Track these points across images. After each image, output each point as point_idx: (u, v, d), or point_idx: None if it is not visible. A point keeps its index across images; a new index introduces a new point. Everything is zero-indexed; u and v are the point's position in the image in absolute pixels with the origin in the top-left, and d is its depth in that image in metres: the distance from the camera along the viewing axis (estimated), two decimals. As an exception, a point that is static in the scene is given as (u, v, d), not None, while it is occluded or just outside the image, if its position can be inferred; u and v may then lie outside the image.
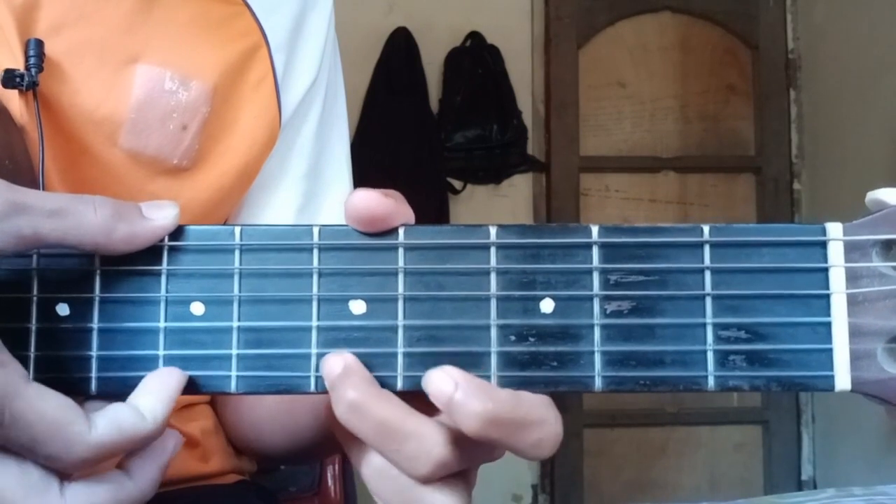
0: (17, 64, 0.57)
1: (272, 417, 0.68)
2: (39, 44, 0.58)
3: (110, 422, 0.38)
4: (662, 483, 2.76)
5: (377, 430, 0.37)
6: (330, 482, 1.07)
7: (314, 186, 0.74)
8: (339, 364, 0.38)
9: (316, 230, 0.40)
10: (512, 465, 2.74)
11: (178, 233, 0.41)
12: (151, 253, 0.41)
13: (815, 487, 2.66)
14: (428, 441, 0.37)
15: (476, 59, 2.76)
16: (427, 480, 0.38)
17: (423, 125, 2.73)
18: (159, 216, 0.40)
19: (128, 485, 0.39)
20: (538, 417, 0.37)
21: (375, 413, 0.37)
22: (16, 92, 0.57)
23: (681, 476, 2.78)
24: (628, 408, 2.75)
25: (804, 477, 2.73)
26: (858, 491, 0.81)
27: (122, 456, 0.40)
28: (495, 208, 2.76)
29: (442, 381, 0.37)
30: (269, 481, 0.85)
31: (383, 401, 0.38)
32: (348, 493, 1.08)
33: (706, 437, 2.79)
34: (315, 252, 0.40)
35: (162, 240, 0.41)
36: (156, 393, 0.39)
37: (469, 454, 0.38)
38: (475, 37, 2.78)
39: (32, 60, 0.57)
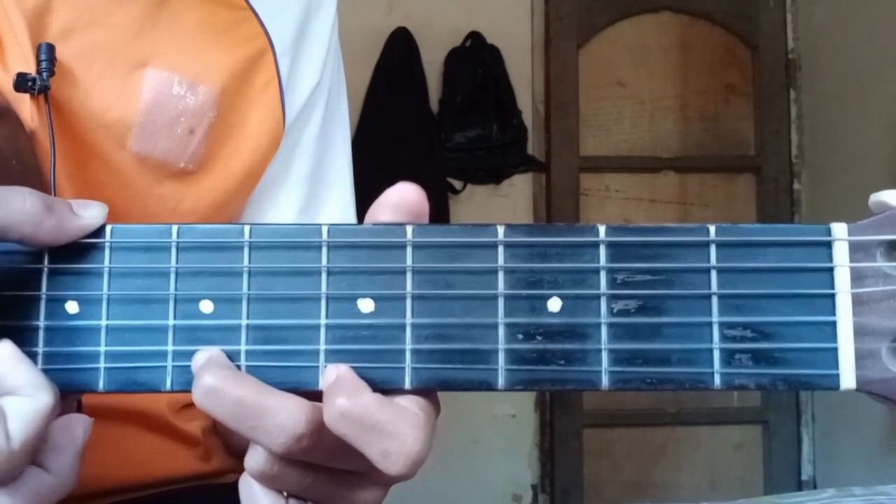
0: (29, 68, 0.58)
1: None
2: (51, 48, 0.58)
3: None
4: (662, 483, 2.76)
5: (234, 410, 0.38)
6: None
7: (316, 188, 0.75)
8: (203, 356, 0.40)
9: (325, 229, 0.40)
10: (512, 465, 2.74)
11: (187, 231, 0.41)
12: (160, 251, 0.41)
13: (815, 487, 2.66)
14: (282, 414, 0.38)
15: (476, 59, 2.76)
16: (286, 454, 0.38)
17: (423, 125, 2.73)
18: (88, 214, 0.41)
19: (47, 479, 0.39)
20: (393, 429, 0.38)
21: (231, 393, 0.38)
22: (26, 95, 0.57)
23: (681, 476, 2.78)
24: (628, 408, 2.75)
25: (804, 477, 2.74)
26: (858, 491, 0.81)
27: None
28: (495, 208, 2.76)
29: (329, 373, 0.39)
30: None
31: (239, 382, 0.39)
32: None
33: (706, 437, 2.79)
34: (324, 250, 0.40)
35: (171, 237, 0.41)
36: (18, 418, 0.37)
37: (328, 446, 0.39)
38: (475, 37, 2.78)
39: (44, 65, 0.57)
